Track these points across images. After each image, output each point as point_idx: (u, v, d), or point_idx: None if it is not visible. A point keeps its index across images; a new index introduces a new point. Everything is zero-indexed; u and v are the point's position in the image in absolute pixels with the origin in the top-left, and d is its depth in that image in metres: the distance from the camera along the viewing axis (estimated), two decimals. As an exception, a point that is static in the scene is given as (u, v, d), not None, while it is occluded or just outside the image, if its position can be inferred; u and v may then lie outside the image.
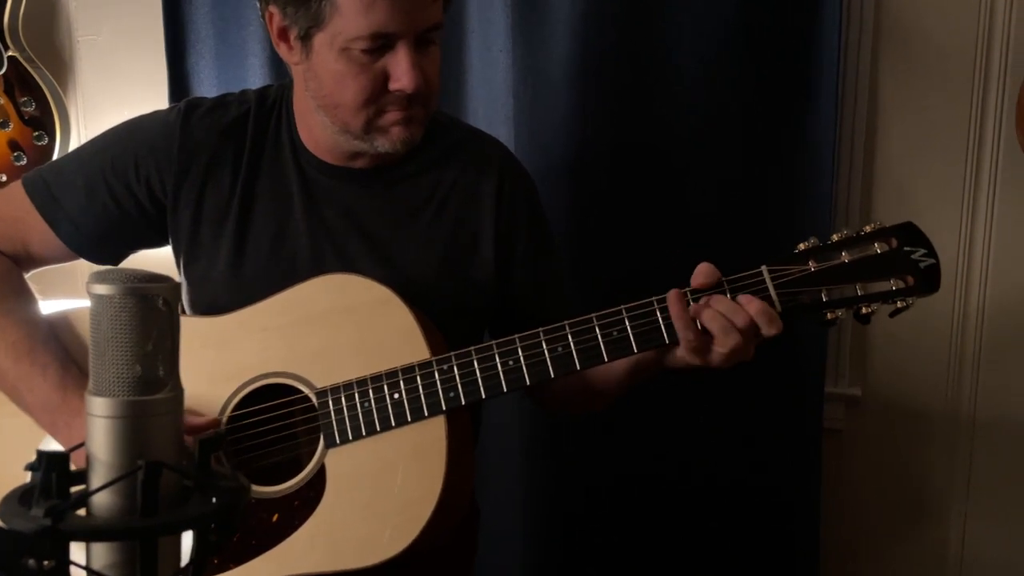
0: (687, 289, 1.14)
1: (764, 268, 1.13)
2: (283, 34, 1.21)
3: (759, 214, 1.78)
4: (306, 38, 1.18)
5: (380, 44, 1.15)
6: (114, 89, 2.10)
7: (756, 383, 1.76)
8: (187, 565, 0.69)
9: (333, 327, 1.18)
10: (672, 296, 1.13)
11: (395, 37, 1.15)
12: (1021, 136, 1.65)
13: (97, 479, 0.67)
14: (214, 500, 0.68)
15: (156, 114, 1.33)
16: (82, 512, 0.67)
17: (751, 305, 1.10)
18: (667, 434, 1.84)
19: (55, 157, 2.01)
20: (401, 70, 1.16)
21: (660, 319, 1.14)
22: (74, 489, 0.67)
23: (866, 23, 1.76)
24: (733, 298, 1.12)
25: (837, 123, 1.73)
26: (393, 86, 1.17)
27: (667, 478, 1.87)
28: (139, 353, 0.68)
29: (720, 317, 1.10)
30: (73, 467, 0.66)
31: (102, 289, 0.67)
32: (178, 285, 0.69)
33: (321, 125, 1.24)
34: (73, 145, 2.06)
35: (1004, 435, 1.83)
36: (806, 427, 1.81)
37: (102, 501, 0.67)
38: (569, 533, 1.93)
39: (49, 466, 0.66)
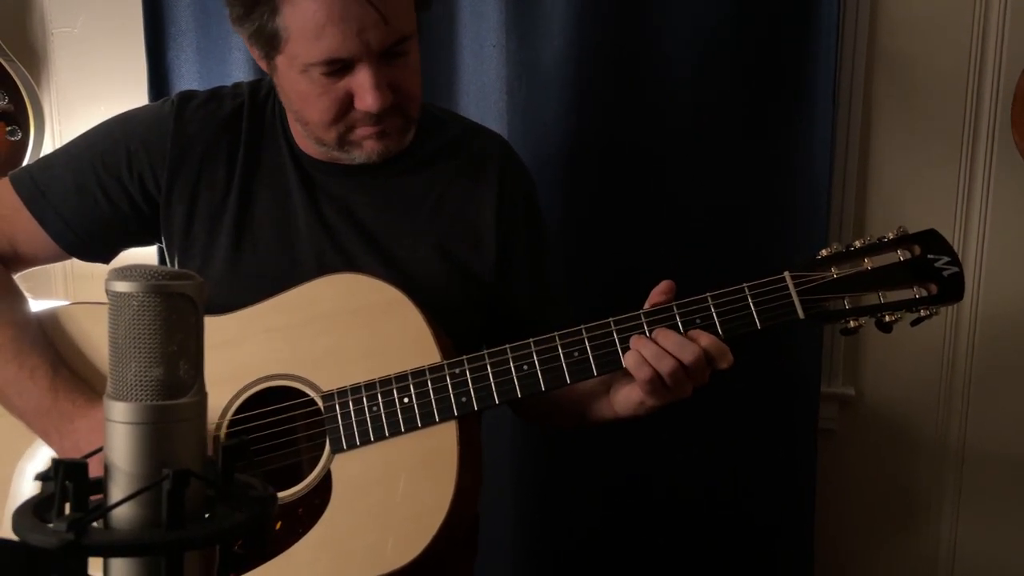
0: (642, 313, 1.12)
1: (787, 274, 1.10)
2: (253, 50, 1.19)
3: (753, 214, 1.76)
4: (269, 58, 1.16)
5: (339, 67, 1.12)
6: (90, 83, 2.03)
7: (752, 383, 1.74)
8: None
9: (340, 328, 1.14)
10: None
11: (353, 60, 1.11)
12: (1017, 135, 1.66)
13: (117, 489, 0.63)
14: (240, 510, 0.64)
15: (149, 107, 1.30)
16: (98, 525, 0.63)
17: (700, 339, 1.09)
18: (661, 432, 1.81)
19: (28, 153, 1.94)
20: (363, 90, 1.12)
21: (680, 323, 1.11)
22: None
23: (861, 25, 1.75)
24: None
25: (833, 122, 1.72)
26: (357, 105, 1.14)
27: (660, 477, 1.86)
28: (162, 355, 0.64)
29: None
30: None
31: (123, 287, 0.63)
32: (204, 283, 0.65)
33: (301, 134, 1.23)
34: (47, 141, 1.99)
35: (995, 434, 1.84)
36: (801, 427, 1.81)
37: (122, 513, 0.63)
38: (560, 537, 1.90)
39: (67, 476, 0.61)
